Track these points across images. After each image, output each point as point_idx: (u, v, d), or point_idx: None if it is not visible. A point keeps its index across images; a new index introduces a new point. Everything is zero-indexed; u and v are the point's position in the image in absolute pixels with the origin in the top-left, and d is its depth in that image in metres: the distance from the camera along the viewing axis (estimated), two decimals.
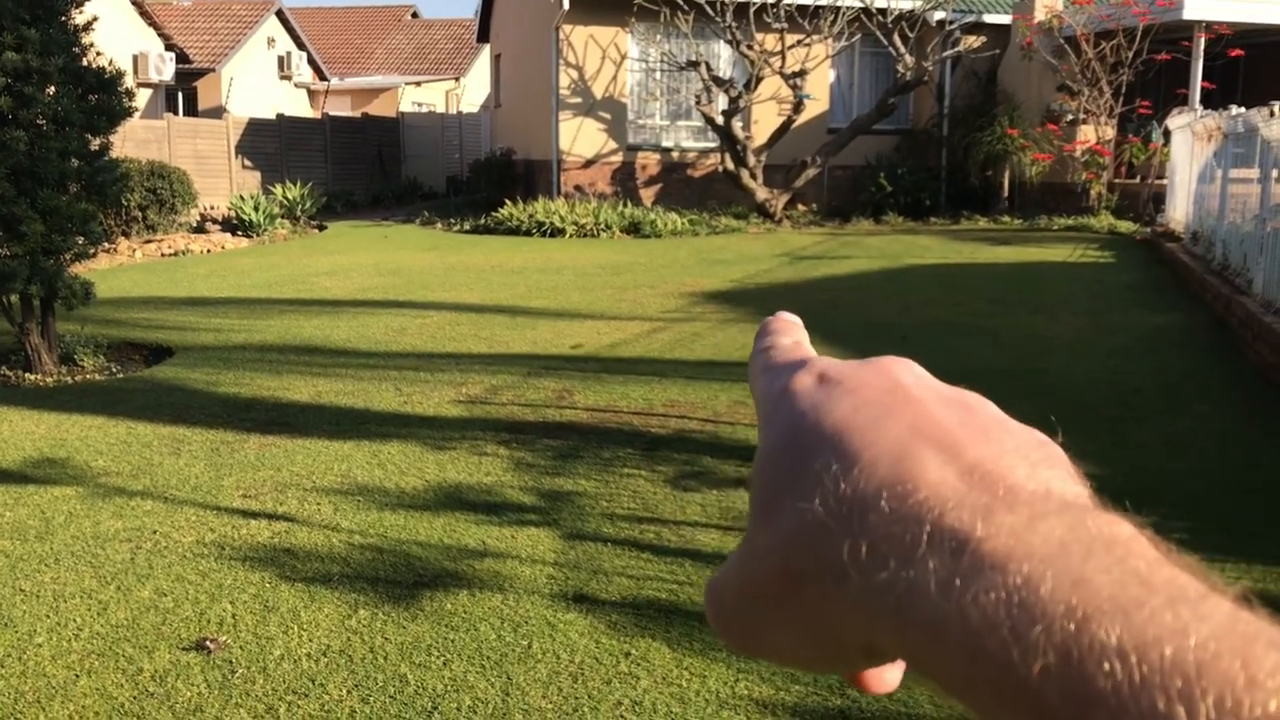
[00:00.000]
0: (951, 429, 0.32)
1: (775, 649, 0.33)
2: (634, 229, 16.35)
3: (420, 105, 32.48)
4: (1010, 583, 0.27)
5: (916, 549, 0.28)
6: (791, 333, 0.42)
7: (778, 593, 0.32)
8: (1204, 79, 16.09)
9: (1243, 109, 10.65)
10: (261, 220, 17.26)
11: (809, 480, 0.31)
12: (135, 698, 3.05)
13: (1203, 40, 16.08)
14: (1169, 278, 11.22)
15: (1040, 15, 17.38)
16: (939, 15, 17.95)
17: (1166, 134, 15.32)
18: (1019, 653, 0.26)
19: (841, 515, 0.30)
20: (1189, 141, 12.82)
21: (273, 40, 29.16)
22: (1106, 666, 0.25)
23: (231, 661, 3.24)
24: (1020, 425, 0.35)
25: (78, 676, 3.17)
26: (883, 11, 17.35)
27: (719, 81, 17.00)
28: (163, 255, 14.90)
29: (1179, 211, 13.61)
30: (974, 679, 0.27)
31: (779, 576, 0.32)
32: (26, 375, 7.17)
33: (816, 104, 18.31)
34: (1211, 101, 14.93)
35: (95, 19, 7.54)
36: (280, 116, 23.73)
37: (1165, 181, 15.32)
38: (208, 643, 3.34)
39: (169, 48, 25.06)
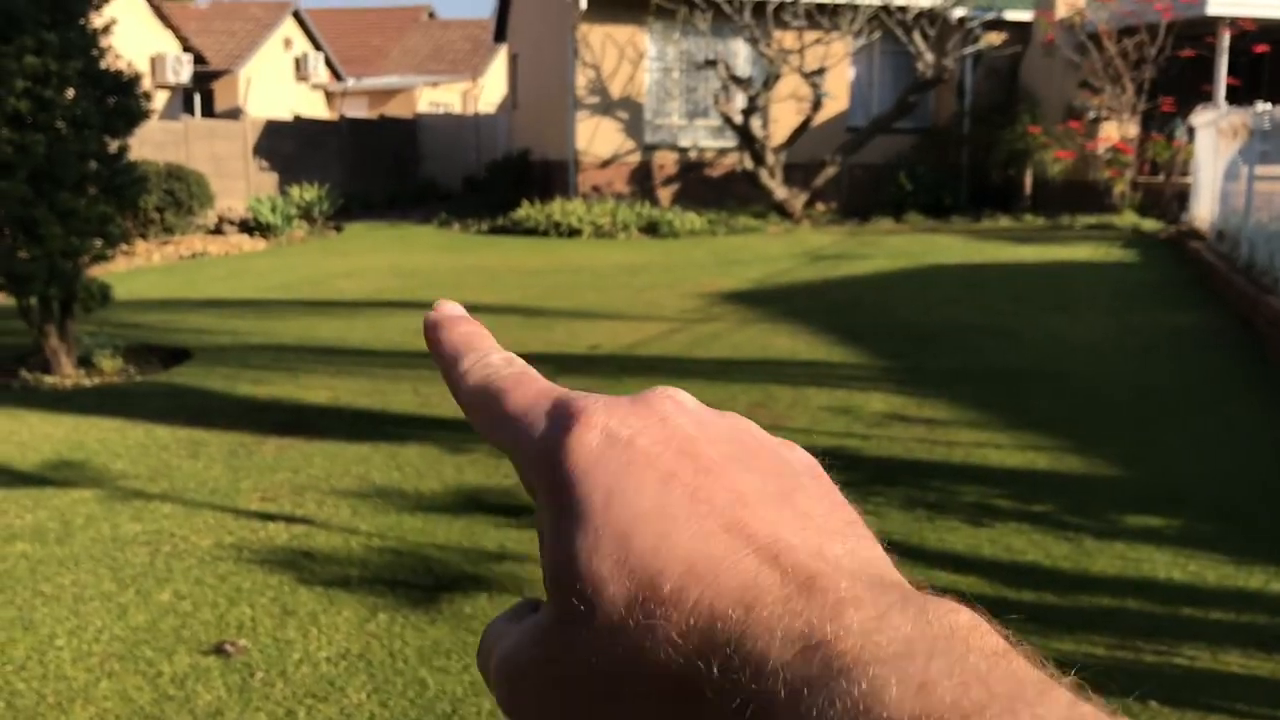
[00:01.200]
0: (763, 510, 0.31)
1: None
2: (651, 229, 16.31)
3: (437, 106, 32.53)
4: (856, 690, 0.26)
5: (766, 661, 0.28)
6: (485, 342, 0.39)
7: (611, 708, 0.30)
8: (1229, 75, 15.96)
9: (1269, 105, 10.54)
10: (279, 222, 17.30)
11: (649, 593, 0.30)
12: (155, 701, 3.03)
13: (1227, 36, 15.94)
14: (1193, 276, 11.11)
15: (1062, 12, 17.27)
16: (959, 12, 17.86)
17: (1191, 131, 15.19)
18: None
19: (692, 636, 0.29)
20: (1214, 139, 12.70)
21: (289, 41, 29.26)
22: None
23: (250, 665, 3.22)
24: (794, 452, 0.36)
25: (98, 679, 3.16)
26: (902, 9, 17.28)
27: (737, 80, 16.96)
28: (180, 257, 14.96)
29: (1204, 210, 13.49)
30: None
31: (615, 692, 0.30)
32: (45, 378, 7.19)
33: (836, 103, 18.25)
34: (1237, 98, 14.81)
35: (113, 22, 7.56)
36: (297, 118, 23.79)
37: (1190, 179, 15.19)
38: (227, 646, 3.32)
39: (186, 49, 25.19)
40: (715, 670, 0.28)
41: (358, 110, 29.65)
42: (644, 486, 0.31)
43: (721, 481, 0.32)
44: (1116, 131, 16.71)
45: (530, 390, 0.36)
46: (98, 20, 7.40)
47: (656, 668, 0.29)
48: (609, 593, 0.30)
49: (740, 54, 18.21)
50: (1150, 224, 15.32)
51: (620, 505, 0.31)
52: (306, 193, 19.30)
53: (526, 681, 0.32)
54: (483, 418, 0.36)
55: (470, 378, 0.38)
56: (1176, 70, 16.25)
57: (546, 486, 0.33)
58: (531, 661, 0.32)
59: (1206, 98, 15.55)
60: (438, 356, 0.39)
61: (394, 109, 29.93)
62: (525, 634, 0.32)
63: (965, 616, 0.28)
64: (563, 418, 0.34)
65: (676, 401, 0.35)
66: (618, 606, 0.30)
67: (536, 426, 0.34)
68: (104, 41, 7.41)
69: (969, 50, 18.08)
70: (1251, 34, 15.85)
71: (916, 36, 17.23)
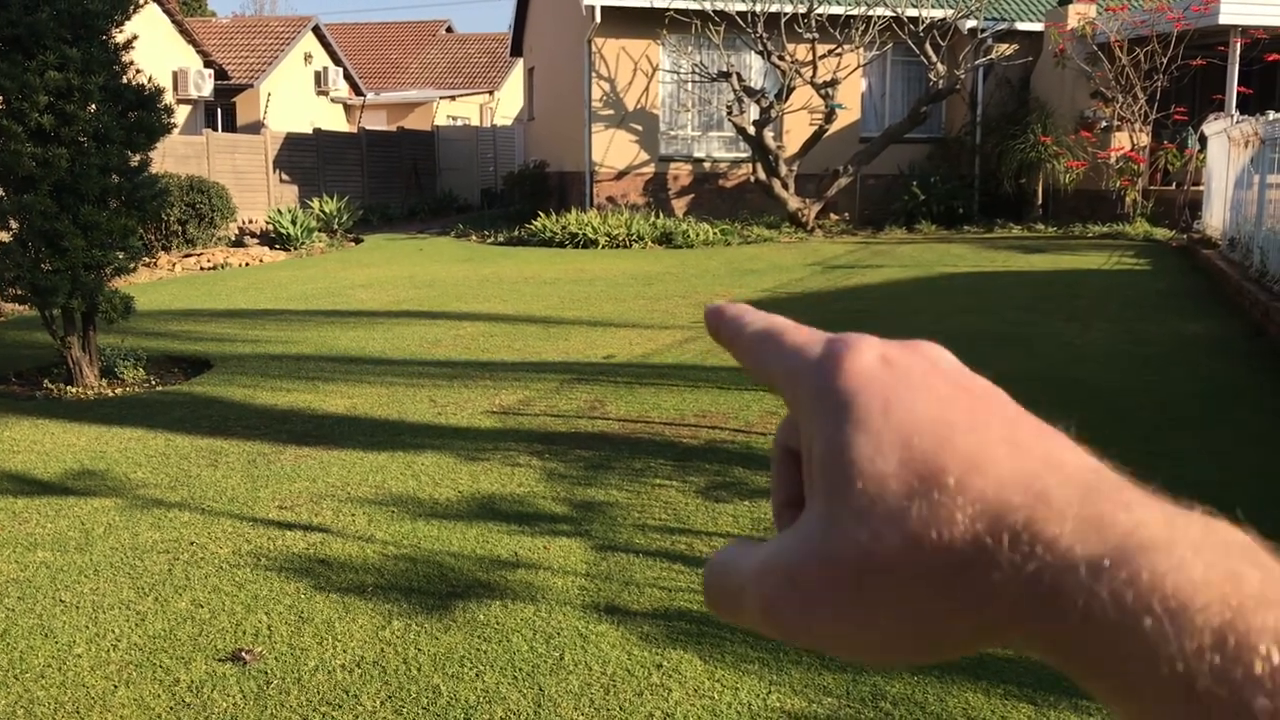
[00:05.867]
0: (1036, 434, 0.33)
1: (857, 637, 0.33)
2: (666, 239, 16.38)
3: (455, 119, 32.72)
4: (1164, 564, 0.28)
5: (1059, 539, 0.29)
6: (764, 316, 0.41)
7: (900, 588, 0.31)
8: (1240, 84, 15.92)
9: None
10: (299, 234, 17.43)
11: (932, 484, 0.31)
12: (172, 708, 3.09)
13: (1239, 45, 15.92)
14: (1205, 284, 11.10)
15: (1073, 22, 17.27)
16: (971, 23, 17.90)
17: (1202, 140, 15.17)
18: (1175, 633, 0.27)
19: (979, 519, 0.31)
20: (1225, 147, 12.69)
21: (310, 56, 29.47)
22: (1264, 650, 0.27)
23: (266, 672, 3.28)
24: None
25: (116, 687, 3.21)
26: (914, 20, 17.31)
27: (750, 92, 17.02)
28: (202, 269, 15.09)
29: (1216, 218, 13.47)
30: (1127, 658, 0.28)
31: (892, 580, 0.31)
32: (68, 388, 7.28)
33: (848, 113, 18.28)
34: (1248, 107, 14.78)
35: (135, 37, 7.66)
36: (317, 131, 23.97)
37: (1201, 188, 15.17)
38: (243, 654, 3.37)
39: (208, 64, 25.40)
40: (1005, 544, 0.30)
41: (377, 123, 29.83)
42: (921, 401, 0.33)
43: (994, 410, 0.34)
44: (1128, 140, 16.70)
45: (806, 331, 0.38)
46: (120, 36, 7.50)
47: (939, 550, 0.31)
48: (891, 488, 0.32)
49: (753, 66, 18.28)
50: (1162, 232, 15.30)
51: (900, 412, 0.33)
52: (326, 205, 19.46)
53: (798, 586, 0.33)
54: (760, 354, 0.38)
55: (752, 326, 0.40)
56: (1188, 79, 16.24)
57: (823, 400, 0.34)
58: (804, 564, 0.33)
59: (1218, 106, 15.53)
60: (722, 324, 0.41)
61: (412, 122, 30.12)
62: (792, 542, 0.34)
63: (1243, 534, 0.30)
64: (840, 344, 0.36)
65: (940, 351, 0.37)
66: (900, 500, 0.31)
67: (814, 351, 0.36)
68: (126, 57, 7.51)
69: (981, 61, 18.10)
70: (1263, 42, 15.82)
71: (928, 47, 17.26)
